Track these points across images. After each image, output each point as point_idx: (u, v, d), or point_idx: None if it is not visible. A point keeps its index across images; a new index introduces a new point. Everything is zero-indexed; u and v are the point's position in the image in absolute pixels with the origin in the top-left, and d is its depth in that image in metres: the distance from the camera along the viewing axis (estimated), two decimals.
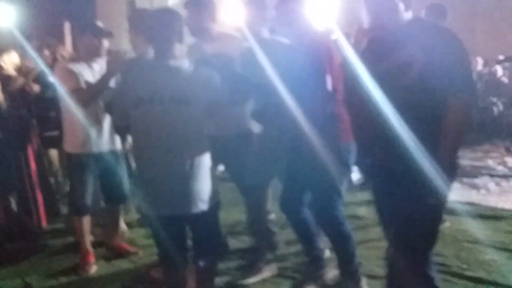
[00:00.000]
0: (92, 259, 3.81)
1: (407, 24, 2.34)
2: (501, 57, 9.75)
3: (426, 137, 2.21)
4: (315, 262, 3.33)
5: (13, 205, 4.30)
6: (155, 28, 2.60)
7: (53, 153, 5.18)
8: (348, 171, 3.16)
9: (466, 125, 2.31)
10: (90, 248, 3.83)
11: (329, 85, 2.91)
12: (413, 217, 2.32)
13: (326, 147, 2.90)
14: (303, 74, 2.86)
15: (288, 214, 3.29)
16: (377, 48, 2.42)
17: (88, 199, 3.73)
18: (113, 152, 3.76)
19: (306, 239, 3.33)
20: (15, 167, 4.29)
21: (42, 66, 4.42)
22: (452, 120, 2.19)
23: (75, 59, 3.74)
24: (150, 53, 2.90)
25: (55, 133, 4.45)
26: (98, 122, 3.61)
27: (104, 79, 3.42)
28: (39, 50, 4.83)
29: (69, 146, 3.72)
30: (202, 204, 2.57)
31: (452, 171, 2.28)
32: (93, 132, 3.60)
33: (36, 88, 4.51)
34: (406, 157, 2.21)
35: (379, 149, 2.39)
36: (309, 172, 3.04)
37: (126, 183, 3.83)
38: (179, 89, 2.50)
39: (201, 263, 2.76)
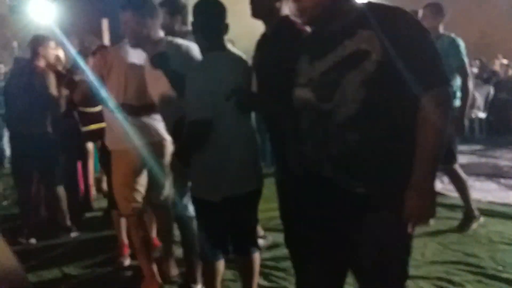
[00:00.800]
0: (127, 251, 3.90)
1: (355, 8, 1.82)
2: None
3: (394, 149, 1.76)
4: None
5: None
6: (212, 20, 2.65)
7: (89, 147, 5.33)
8: None
9: (446, 127, 1.75)
10: (126, 241, 3.91)
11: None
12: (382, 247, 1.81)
13: None
14: None
15: None
16: (318, 39, 1.91)
17: None
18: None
19: None
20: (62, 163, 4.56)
21: (82, 63, 4.51)
22: (427, 126, 1.72)
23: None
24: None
25: (93, 126, 4.58)
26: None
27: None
28: (79, 48, 4.93)
29: (110, 142, 3.78)
30: (260, 180, 2.82)
31: (431, 194, 1.78)
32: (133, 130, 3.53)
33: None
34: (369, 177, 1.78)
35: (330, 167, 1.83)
36: None
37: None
38: (243, 77, 2.70)
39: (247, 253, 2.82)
